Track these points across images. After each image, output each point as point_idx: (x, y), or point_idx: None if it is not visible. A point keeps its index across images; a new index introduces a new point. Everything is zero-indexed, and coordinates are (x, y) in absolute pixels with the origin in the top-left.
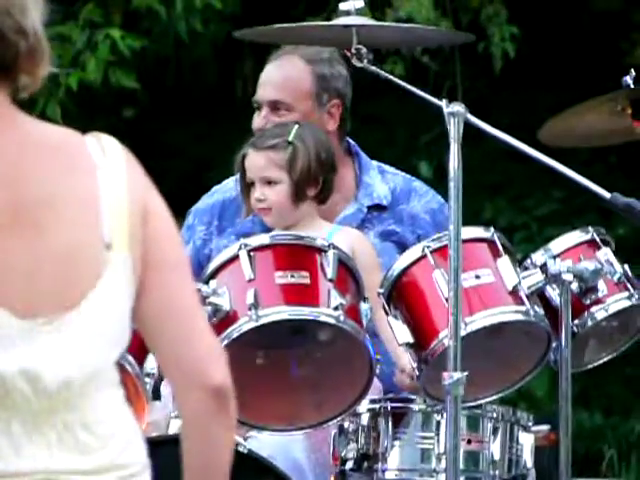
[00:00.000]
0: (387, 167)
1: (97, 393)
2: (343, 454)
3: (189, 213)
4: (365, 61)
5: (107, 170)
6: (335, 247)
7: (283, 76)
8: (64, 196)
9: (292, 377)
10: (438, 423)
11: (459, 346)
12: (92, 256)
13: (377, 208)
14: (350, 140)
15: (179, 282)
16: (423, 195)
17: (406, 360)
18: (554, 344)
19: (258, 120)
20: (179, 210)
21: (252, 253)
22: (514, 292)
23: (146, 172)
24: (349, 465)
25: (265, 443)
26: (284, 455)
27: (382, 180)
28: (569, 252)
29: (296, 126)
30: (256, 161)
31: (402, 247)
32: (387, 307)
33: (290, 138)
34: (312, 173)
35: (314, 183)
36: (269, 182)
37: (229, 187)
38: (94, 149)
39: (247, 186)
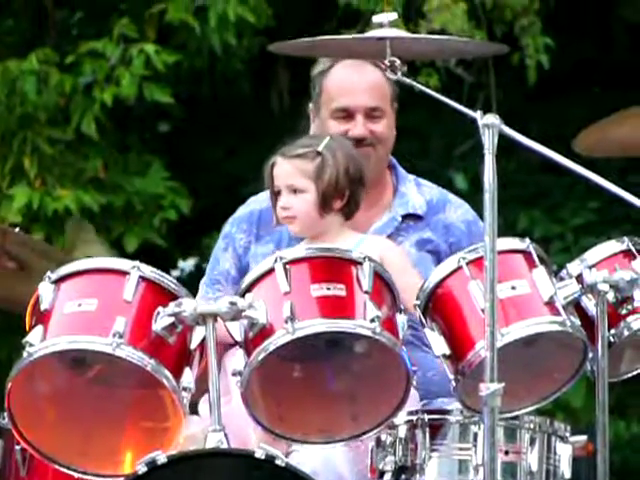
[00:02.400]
0: (423, 180)
1: None
2: (381, 466)
3: (227, 223)
4: (399, 73)
5: None
6: (371, 259)
7: (374, 82)
8: None
9: (329, 390)
10: (475, 434)
11: (495, 357)
12: None
13: (413, 217)
14: None
15: None
16: (459, 207)
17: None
18: (590, 354)
19: (355, 129)
20: (216, 224)
21: (288, 266)
22: (550, 303)
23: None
24: (387, 477)
25: (308, 457)
26: (327, 468)
27: (418, 191)
28: (605, 262)
29: (328, 138)
30: (283, 169)
31: (437, 256)
32: (423, 319)
33: (320, 148)
34: (339, 185)
35: (340, 196)
36: (295, 190)
37: (265, 197)
38: None
39: (275, 195)
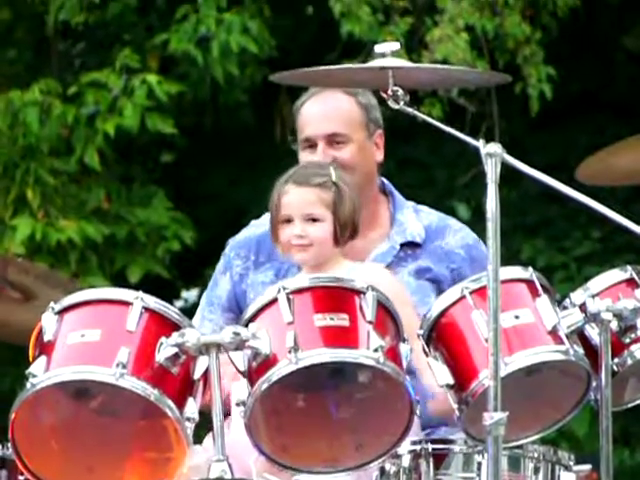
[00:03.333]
0: (422, 206)
1: None
2: None
3: (227, 244)
4: (402, 103)
5: None
6: (374, 289)
7: (334, 108)
8: None
9: (332, 419)
10: (479, 464)
11: (499, 386)
12: None
13: (411, 246)
14: (384, 179)
15: None
16: (458, 231)
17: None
18: (594, 383)
19: (317, 157)
20: (219, 255)
21: (291, 296)
22: (553, 332)
23: (186, 217)
24: None
25: None
26: None
27: (416, 218)
28: (608, 291)
29: (332, 167)
30: (300, 197)
31: (437, 284)
32: (427, 348)
33: (334, 179)
34: (354, 216)
35: (353, 226)
36: (312, 219)
37: (266, 221)
38: None
39: (280, 222)
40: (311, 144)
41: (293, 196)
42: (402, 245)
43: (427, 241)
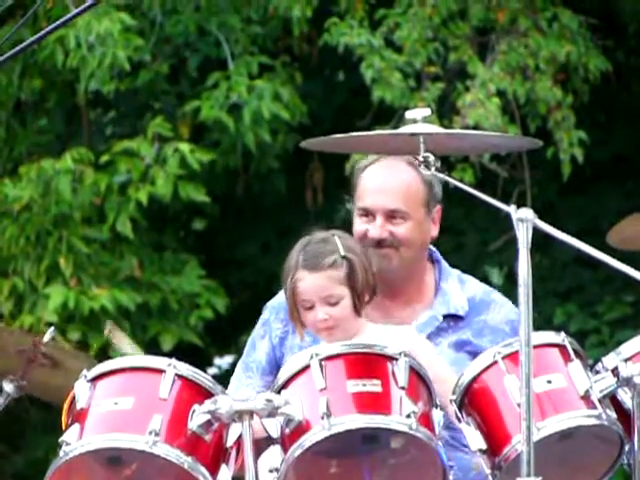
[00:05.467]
0: (467, 276)
1: None
2: None
3: (265, 308)
4: (433, 169)
5: None
6: (406, 355)
7: (398, 183)
8: None
9: None
10: None
11: (532, 451)
12: None
13: (453, 318)
14: (431, 247)
15: None
16: (502, 306)
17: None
18: (627, 447)
19: (373, 229)
20: (252, 322)
21: (323, 362)
22: (586, 396)
23: (218, 285)
24: None
25: None
26: None
27: (461, 289)
28: None
29: (336, 238)
30: (316, 283)
31: (475, 357)
32: (459, 414)
33: (343, 253)
34: (369, 281)
35: (370, 289)
36: (332, 301)
37: None
38: None
39: (301, 309)
40: (368, 214)
41: (308, 282)
42: (444, 316)
43: (470, 314)
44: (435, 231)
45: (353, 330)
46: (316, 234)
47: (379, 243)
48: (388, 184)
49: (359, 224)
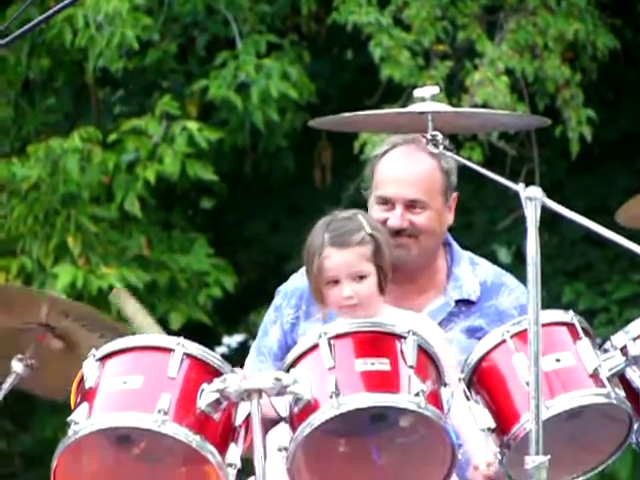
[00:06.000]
0: (479, 259)
1: None
2: None
3: (278, 292)
4: (441, 147)
5: None
6: (415, 333)
7: (419, 174)
8: None
9: (374, 464)
10: None
11: (541, 430)
12: None
13: (465, 303)
14: None
15: None
16: (514, 290)
17: (481, 457)
18: (636, 426)
19: (393, 219)
20: (260, 301)
21: (332, 341)
22: (594, 375)
23: (227, 263)
24: None
25: None
26: None
27: (472, 272)
28: None
29: (360, 216)
30: (345, 259)
31: None
32: (468, 392)
33: (369, 230)
34: (391, 259)
35: (392, 268)
36: (359, 277)
37: None
38: None
39: (324, 285)
40: (387, 203)
41: (336, 259)
42: (457, 302)
43: (482, 299)
44: (451, 218)
45: (374, 310)
46: (337, 213)
47: (398, 232)
48: (409, 174)
49: (377, 212)
